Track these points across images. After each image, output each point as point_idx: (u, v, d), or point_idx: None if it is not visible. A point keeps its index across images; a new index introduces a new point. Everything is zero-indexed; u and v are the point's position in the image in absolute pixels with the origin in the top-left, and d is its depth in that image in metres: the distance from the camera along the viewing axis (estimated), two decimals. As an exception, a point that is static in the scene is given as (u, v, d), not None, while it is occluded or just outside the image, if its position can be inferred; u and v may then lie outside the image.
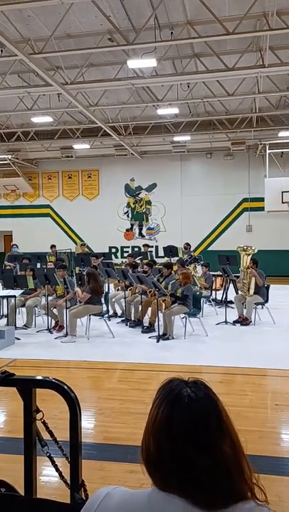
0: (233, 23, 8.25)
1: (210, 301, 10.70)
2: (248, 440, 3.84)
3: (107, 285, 9.86)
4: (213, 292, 11.01)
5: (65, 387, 1.80)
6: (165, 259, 13.05)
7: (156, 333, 8.09)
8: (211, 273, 10.61)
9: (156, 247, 18.11)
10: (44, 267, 11.97)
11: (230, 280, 10.41)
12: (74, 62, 10.79)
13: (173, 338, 8.00)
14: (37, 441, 1.92)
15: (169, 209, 18.42)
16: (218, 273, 10.86)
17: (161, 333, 8.02)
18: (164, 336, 7.99)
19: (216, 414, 0.98)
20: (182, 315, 8.44)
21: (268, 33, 8.62)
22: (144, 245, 15.12)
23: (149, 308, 8.79)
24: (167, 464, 0.95)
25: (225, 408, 1.00)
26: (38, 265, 12.53)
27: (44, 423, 1.96)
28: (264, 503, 0.96)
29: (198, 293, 8.97)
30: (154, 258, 14.93)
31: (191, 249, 14.40)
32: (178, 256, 12.68)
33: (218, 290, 11.56)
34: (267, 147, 16.23)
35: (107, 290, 9.46)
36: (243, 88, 12.19)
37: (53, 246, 15.09)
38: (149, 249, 15.57)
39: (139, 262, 11.43)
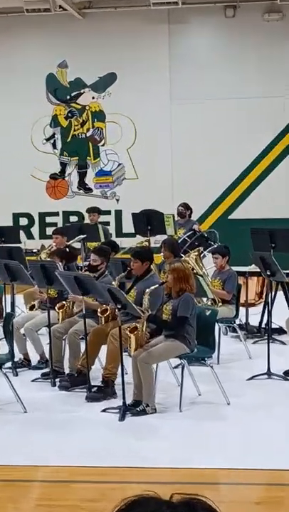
0: None
1: (235, 329, 6.79)
2: None
3: (9, 297, 6.15)
4: (243, 310, 7.05)
5: None
6: (137, 240, 8.05)
7: (118, 401, 5.11)
8: (237, 268, 6.64)
9: (119, 212, 10.38)
10: None
11: (280, 284, 6.58)
12: None
13: (155, 411, 5.03)
14: None
15: (144, 129, 10.01)
16: (253, 268, 6.84)
17: (129, 402, 5.04)
18: (136, 407, 5.00)
19: None
20: (175, 360, 5.36)
21: None
22: (90, 210, 8.65)
23: (103, 348, 5.32)
24: None
25: None
26: None
27: None
28: None
29: (209, 311, 5.58)
30: (114, 238, 9.02)
31: (193, 219, 8.82)
32: (165, 233, 7.88)
33: (255, 305, 7.60)
34: None
35: (9, 309, 5.75)
36: None
37: None
38: (101, 217, 8.85)
39: (79, 246, 7.42)
